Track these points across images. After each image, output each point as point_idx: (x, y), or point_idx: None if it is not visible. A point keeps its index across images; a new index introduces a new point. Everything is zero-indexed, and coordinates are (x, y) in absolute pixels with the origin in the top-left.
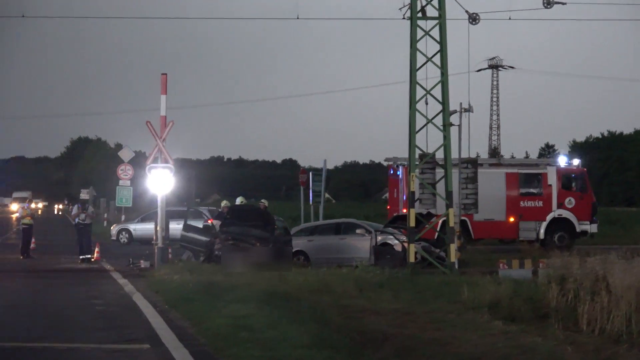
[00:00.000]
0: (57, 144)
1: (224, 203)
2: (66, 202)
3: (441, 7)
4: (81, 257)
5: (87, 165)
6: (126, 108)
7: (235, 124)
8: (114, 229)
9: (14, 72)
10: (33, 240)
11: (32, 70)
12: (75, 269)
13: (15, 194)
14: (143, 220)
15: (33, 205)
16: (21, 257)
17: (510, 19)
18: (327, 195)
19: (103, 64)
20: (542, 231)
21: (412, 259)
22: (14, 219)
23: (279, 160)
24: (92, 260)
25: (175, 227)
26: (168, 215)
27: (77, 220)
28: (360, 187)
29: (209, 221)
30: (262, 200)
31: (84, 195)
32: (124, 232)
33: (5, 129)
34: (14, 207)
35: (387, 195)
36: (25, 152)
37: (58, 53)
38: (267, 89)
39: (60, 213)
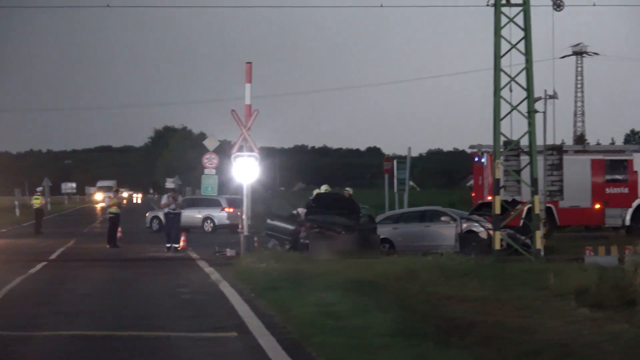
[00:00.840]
0: (142, 133)
1: (316, 191)
2: (151, 191)
3: None
4: (167, 245)
5: (172, 154)
6: (211, 97)
7: (319, 113)
8: (148, 215)
9: (99, 62)
10: (119, 229)
11: (118, 61)
12: (161, 258)
13: (100, 183)
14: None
15: (125, 194)
16: (108, 246)
17: (594, 5)
18: (411, 182)
19: (188, 53)
20: (627, 218)
21: (497, 246)
22: (98, 208)
23: (362, 148)
24: (179, 249)
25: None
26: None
27: (166, 209)
28: (444, 174)
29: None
30: (347, 189)
31: (170, 184)
32: (155, 220)
33: (92, 119)
34: (99, 196)
35: (471, 182)
36: (111, 141)
37: (143, 43)
38: (351, 77)
39: (138, 202)
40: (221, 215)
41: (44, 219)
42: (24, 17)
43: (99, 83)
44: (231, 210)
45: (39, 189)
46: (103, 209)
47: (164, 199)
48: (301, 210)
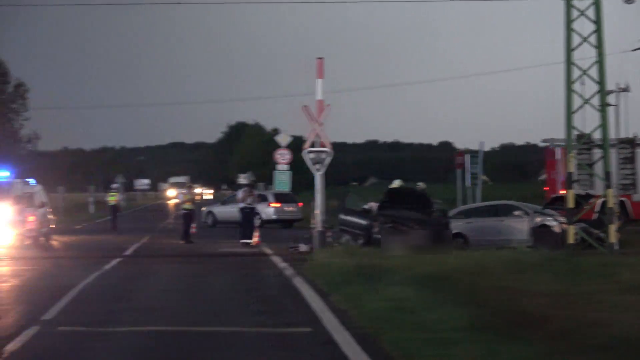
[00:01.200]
0: (215, 129)
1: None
2: (224, 187)
3: None
4: (242, 241)
5: (245, 150)
6: (283, 92)
7: (391, 108)
8: (204, 210)
9: (172, 58)
10: (193, 225)
11: (191, 57)
12: (235, 253)
13: (172, 179)
14: (224, 203)
15: (198, 190)
16: (182, 242)
17: None
18: (484, 177)
19: (260, 48)
20: None
21: (571, 240)
22: (171, 204)
23: (435, 143)
24: (253, 244)
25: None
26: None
27: (242, 204)
28: (516, 168)
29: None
30: (419, 183)
31: (243, 180)
32: (210, 214)
33: (165, 115)
34: (171, 192)
35: (544, 176)
36: (184, 138)
37: (216, 38)
38: (423, 71)
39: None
40: (268, 210)
41: (119, 215)
42: (98, 14)
43: (172, 79)
44: (278, 205)
45: (114, 185)
46: (176, 205)
47: (240, 194)
48: (373, 205)
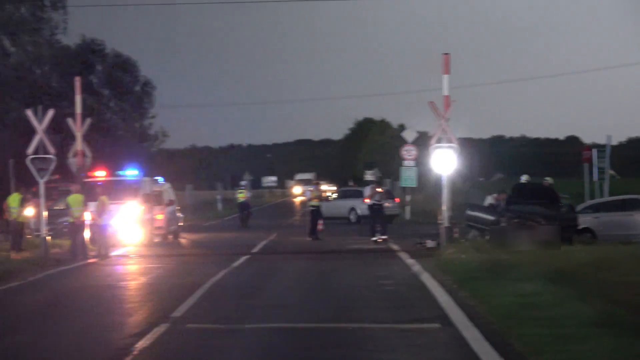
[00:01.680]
0: (341, 126)
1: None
2: (351, 184)
3: None
4: (373, 238)
5: (371, 146)
6: (409, 88)
7: (517, 103)
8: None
9: (298, 56)
10: (320, 221)
11: (317, 54)
12: (363, 250)
13: (298, 176)
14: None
15: (324, 187)
16: (309, 239)
17: None
18: (611, 171)
19: (386, 45)
20: None
21: None
22: (297, 202)
23: (561, 137)
24: (380, 241)
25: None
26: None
27: (370, 201)
28: None
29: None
30: (547, 178)
31: (369, 176)
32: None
33: (292, 112)
34: (297, 189)
35: None
36: (310, 134)
37: (341, 35)
38: (549, 66)
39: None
40: (363, 206)
41: (248, 212)
42: (224, 12)
43: (298, 77)
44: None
45: (243, 182)
46: (303, 202)
47: (367, 191)
48: (495, 196)
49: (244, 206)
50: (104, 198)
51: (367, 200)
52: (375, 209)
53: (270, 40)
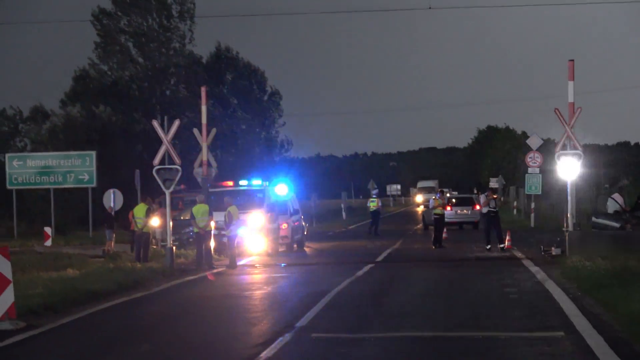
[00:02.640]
0: (466, 133)
1: None
2: (475, 191)
3: None
4: (487, 247)
5: (496, 153)
6: (534, 95)
7: None
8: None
9: (422, 63)
10: (445, 229)
11: (441, 61)
12: (486, 257)
13: (420, 183)
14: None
15: (449, 195)
16: (433, 247)
17: None
18: None
19: (510, 52)
20: None
21: None
22: (419, 211)
23: None
24: (504, 248)
25: None
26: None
27: (486, 208)
28: None
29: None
30: None
31: (493, 183)
32: None
33: (417, 120)
34: (419, 198)
35: None
36: (435, 142)
37: (464, 42)
38: None
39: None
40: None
41: (380, 219)
42: (350, 21)
43: (423, 84)
44: (449, 208)
45: (374, 192)
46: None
47: (482, 198)
48: (612, 202)
49: (375, 215)
50: (233, 208)
51: (480, 208)
52: (491, 216)
53: (392, 48)
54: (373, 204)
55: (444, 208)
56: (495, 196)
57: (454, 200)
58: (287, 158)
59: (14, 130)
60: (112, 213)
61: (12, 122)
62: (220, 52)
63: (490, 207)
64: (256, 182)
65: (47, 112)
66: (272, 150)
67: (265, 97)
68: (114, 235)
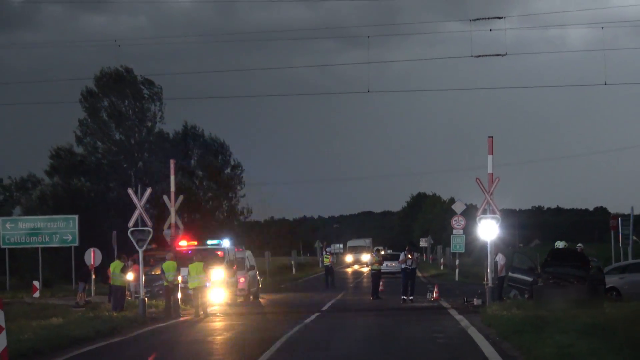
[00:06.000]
0: (399, 199)
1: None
2: (407, 248)
3: None
4: (403, 297)
5: (425, 217)
6: (457, 167)
7: (553, 178)
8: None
9: (361, 139)
10: (381, 282)
11: (377, 137)
12: (418, 307)
13: (351, 243)
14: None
15: (383, 252)
16: (371, 298)
17: None
18: (634, 237)
19: (437, 129)
20: None
21: None
22: (348, 272)
23: (591, 208)
24: (432, 299)
25: None
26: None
27: (403, 265)
28: None
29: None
30: (579, 245)
31: (423, 243)
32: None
33: (356, 188)
34: (349, 257)
35: None
36: (372, 207)
37: (398, 121)
38: (578, 146)
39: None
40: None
41: (334, 272)
42: (293, 104)
43: (361, 157)
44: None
45: (329, 249)
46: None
47: (401, 256)
48: (499, 257)
49: (329, 269)
50: (198, 264)
51: (398, 264)
52: (408, 272)
53: (338, 126)
54: (327, 259)
55: (380, 264)
56: (410, 255)
57: (388, 255)
58: (246, 221)
59: (8, 197)
60: (92, 269)
61: (7, 191)
62: (187, 130)
63: (407, 265)
64: (218, 242)
65: (37, 180)
66: (234, 215)
67: (229, 169)
68: (86, 288)
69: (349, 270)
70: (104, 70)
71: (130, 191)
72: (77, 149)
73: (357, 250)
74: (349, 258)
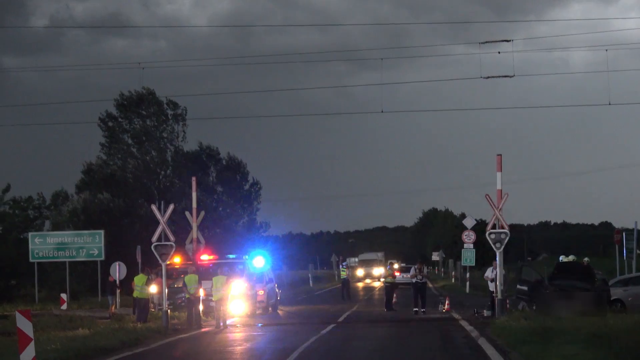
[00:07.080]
0: (412, 215)
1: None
2: (418, 263)
3: None
4: (415, 309)
5: (437, 231)
6: (468, 183)
7: (560, 193)
8: None
9: (375, 157)
10: (395, 294)
11: (391, 155)
12: (430, 319)
13: (362, 256)
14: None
15: (396, 266)
16: (385, 310)
17: None
18: (638, 251)
19: (447, 147)
20: None
21: None
22: (359, 286)
23: (596, 223)
24: (444, 311)
25: None
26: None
27: (414, 279)
28: None
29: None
30: (586, 259)
31: (435, 257)
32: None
33: (371, 203)
34: (359, 272)
35: None
36: (386, 222)
37: (411, 139)
38: (586, 161)
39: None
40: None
41: (350, 285)
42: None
43: (376, 174)
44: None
45: (345, 263)
46: (379, 277)
47: (412, 271)
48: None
49: (345, 282)
50: (222, 277)
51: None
52: (418, 286)
53: (354, 145)
54: (343, 272)
55: (393, 277)
56: (419, 270)
57: (402, 267)
58: (264, 236)
59: (37, 214)
60: (117, 282)
61: (37, 209)
62: (202, 150)
63: (417, 279)
64: (238, 256)
65: (67, 195)
66: (252, 230)
67: (247, 186)
68: (116, 300)
69: (360, 284)
70: (124, 94)
71: (154, 207)
72: (105, 168)
73: (368, 263)
74: (359, 272)
